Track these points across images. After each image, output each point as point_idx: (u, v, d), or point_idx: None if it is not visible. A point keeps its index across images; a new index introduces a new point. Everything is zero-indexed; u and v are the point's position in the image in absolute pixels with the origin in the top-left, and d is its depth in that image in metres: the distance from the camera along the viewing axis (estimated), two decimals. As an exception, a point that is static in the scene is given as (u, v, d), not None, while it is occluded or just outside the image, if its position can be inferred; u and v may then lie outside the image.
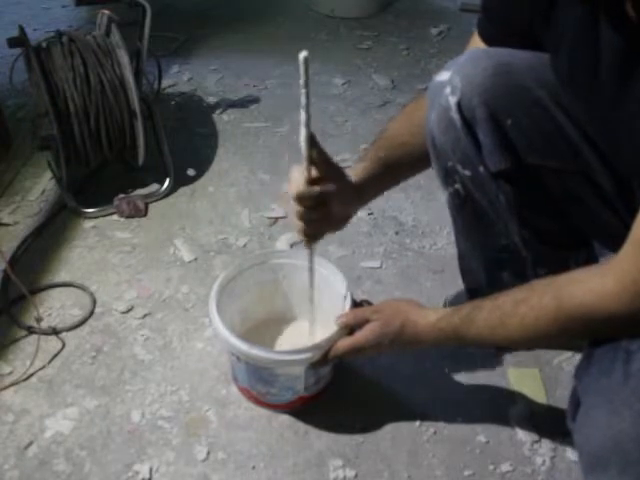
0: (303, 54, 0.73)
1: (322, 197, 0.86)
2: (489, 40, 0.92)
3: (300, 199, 0.85)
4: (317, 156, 0.83)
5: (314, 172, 0.84)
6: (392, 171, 0.98)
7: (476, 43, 0.94)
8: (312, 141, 0.81)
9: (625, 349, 0.70)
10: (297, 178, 0.85)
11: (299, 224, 0.89)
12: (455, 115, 0.89)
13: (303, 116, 0.78)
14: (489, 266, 1.05)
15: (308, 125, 0.79)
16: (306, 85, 0.75)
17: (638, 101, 0.69)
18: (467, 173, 0.93)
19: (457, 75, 0.88)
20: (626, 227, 0.70)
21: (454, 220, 1.04)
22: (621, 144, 0.76)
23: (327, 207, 0.87)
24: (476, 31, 0.95)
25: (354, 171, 0.94)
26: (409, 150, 0.97)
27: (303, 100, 0.77)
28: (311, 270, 0.98)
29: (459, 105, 0.88)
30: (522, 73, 0.87)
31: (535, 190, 0.93)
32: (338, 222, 0.95)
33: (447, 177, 0.97)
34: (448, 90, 0.89)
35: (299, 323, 1.15)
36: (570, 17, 0.77)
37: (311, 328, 1.05)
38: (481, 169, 0.92)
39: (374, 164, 0.95)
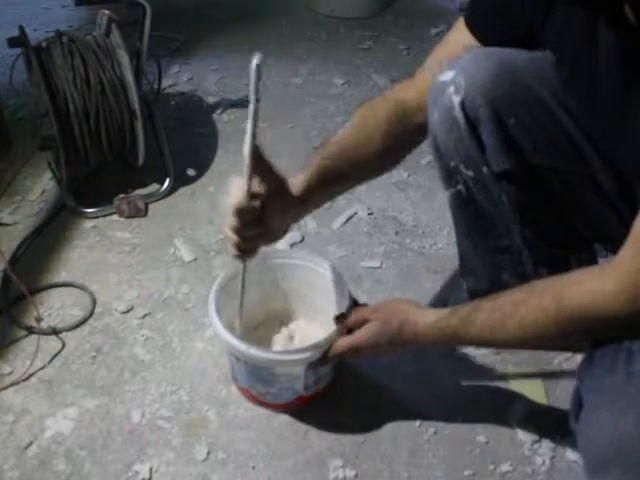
0: (255, 61, 0.68)
1: (262, 212, 0.81)
2: (483, 38, 0.91)
3: (240, 213, 0.79)
4: (261, 169, 0.79)
5: (255, 186, 0.80)
6: (336, 182, 0.91)
7: (459, 36, 0.92)
8: (257, 153, 0.77)
9: (627, 349, 0.70)
10: (237, 191, 0.79)
11: (234, 239, 0.83)
12: (459, 114, 0.89)
13: (250, 126, 0.74)
14: (490, 266, 1.05)
15: (254, 136, 0.75)
16: (256, 93, 0.71)
17: (638, 103, 0.69)
18: (470, 173, 0.93)
19: (461, 74, 0.88)
20: (627, 228, 0.70)
21: (455, 220, 1.04)
22: (623, 146, 0.76)
23: (266, 221, 0.82)
24: (460, 23, 0.92)
25: (296, 181, 0.87)
26: (355, 161, 0.92)
27: (251, 109, 0.72)
28: (242, 287, 0.94)
29: (463, 104, 0.88)
30: (525, 73, 0.87)
31: (538, 190, 0.93)
32: (274, 236, 0.88)
33: (449, 177, 0.96)
34: (452, 89, 0.89)
35: (298, 323, 1.15)
36: (569, 19, 0.77)
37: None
38: (484, 169, 0.92)
39: (318, 175, 0.88)
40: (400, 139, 0.95)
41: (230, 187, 0.81)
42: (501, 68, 0.87)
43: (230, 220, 0.81)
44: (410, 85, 0.97)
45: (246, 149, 0.76)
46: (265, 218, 0.82)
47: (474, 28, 0.91)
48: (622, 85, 0.71)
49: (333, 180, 0.90)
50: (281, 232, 0.89)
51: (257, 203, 0.80)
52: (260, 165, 0.79)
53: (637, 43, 0.68)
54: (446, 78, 0.90)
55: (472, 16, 0.92)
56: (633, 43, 0.69)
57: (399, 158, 1.00)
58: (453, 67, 0.90)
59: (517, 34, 0.87)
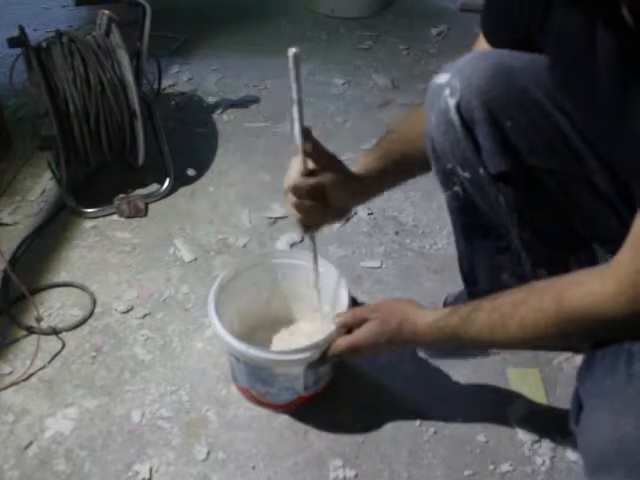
0: (293, 51, 0.76)
1: (317, 188, 0.87)
2: (495, 42, 0.92)
3: (295, 190, 0.86)
4: (312, 149, 0.85)
5: (310, 164, 0.86)
6: (399, 167, 0.97)
7: (482, 45, 0.94)
8: (306, 134, 0.83)
9: (627, 350, 0.70)
10: (293, 170, 0.87)
11: (297, 214, 0.90)
12: (454, 117, 0.89)
13: (296, 110, 0.80)
14: (489, 267, 1.05)
15: (301, 119, 0.81)
16: (297, 80, 0.77)
17: (636, 105, 0.69)
18: (466, 175, 0.93)
19: (456, 77, 0.88)
20: (626, 229, 0.70)
21: (453, 222, 1.04)
22: (620, 147, 0.76)
23: (324, 198, 0.88)
24: (481, 33, 0.95)
25: (360, 162, 0.94)
26: (420, 148, 0.96)
27: (295, 95, 0.79)
28: (315, 258, 1.00)
29: (458, 107, 0.88)
30: (521, 75, 0.87)
31: (535, 192, 0.93)
32: (337, 213, 0.94)
33: (446, 179, 0.96)
34: (447, 92, 0.89)
35: (298, 323, 1.15)
36: (566, 22, 0.76)
37: (321, 316, 1.07)
38: (481, 171, 0.91)
39: (381, 158, 0.95)
40: None
41: (289, 166, 0.88)
42: (497, 70, 0.87)
43: (289, 197, 0.88)
44: None
45: (296, 130, 0.83)
46: (324, 195, 0.88)
47: (488, 34, 0.92)
48: (620, 87, 0.71)
49: (394, 166, 0.96)
50: (344, 211, 0.96)
51: (311, 180, 0.86)
52: (311, 145, 0.84)
53: (635, 45, 0.68)
54: (442, 80, 0.90)
55: (485, 20, 0.93)
56: (631, 45, 0.68)
57: None
58: (449, 70, 0.90)
59: (517, 36, 0.87)
